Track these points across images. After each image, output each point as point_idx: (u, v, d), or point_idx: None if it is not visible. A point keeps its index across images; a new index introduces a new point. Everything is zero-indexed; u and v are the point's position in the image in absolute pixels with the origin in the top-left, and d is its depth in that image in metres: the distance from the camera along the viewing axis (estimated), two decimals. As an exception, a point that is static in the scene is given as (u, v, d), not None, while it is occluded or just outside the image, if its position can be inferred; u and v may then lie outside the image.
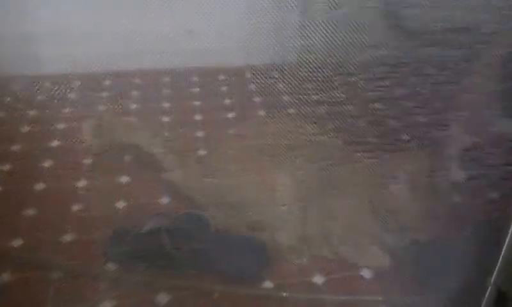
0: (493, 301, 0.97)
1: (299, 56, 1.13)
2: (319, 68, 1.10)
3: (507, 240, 0.96)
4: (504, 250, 0.96)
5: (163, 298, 1.08)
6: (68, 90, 1.58)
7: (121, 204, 1.30)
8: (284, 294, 1.11)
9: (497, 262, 0.96)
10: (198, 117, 1.67)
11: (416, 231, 1.17)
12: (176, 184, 1.33)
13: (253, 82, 1.72)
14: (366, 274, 1.17)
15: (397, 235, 1.18)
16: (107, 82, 1.73)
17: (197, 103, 1.74)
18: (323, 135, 1.29)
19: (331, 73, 1.09)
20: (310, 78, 1.13)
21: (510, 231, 0.96)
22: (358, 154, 1.30)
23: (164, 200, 1.33)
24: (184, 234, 1.18)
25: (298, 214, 1.24)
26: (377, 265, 1.17)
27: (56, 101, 1.57)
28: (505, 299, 0.96)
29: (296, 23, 1.13)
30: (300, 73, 1.15)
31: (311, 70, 1.12)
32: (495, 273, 0.96)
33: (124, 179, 1.39)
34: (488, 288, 0.97)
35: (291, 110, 1.36)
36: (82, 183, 1.36)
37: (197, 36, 1.41)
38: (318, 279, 1.15)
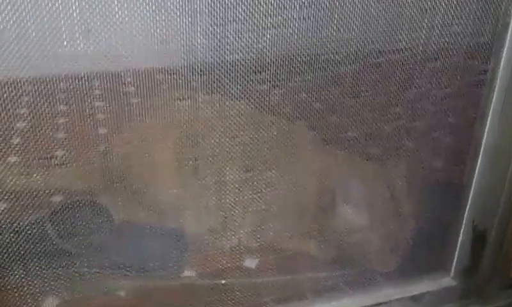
0: (469, 240, 0.84)
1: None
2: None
3: (476, 174, 0.84)
4: (473, 185, 0.84)
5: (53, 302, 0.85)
6: None
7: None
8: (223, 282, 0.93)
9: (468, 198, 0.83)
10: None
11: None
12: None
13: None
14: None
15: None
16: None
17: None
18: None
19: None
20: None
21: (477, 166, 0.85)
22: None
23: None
24: (76, 225, 0.94)
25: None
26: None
27: None
28: (483, 237, 0.83)
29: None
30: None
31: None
32: (467, 209, 0.83)
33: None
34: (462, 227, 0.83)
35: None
36: None
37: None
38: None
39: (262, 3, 0.81)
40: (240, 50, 0.83)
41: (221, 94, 0.89)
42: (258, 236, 1.00)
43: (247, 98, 0.89)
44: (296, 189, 0.99)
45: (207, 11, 0.79)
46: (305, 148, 0.99)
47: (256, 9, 0.81)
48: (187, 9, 0.79)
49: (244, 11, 0.80)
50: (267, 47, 0.84)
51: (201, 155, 1.02)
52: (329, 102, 0.89)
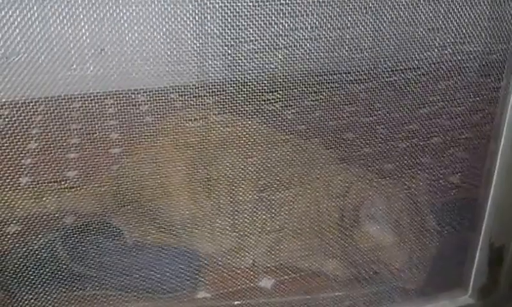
0: (486, 258, 0.83)
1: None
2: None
3: (492, 192, 0.84)
4: (489, 202, 0.83)
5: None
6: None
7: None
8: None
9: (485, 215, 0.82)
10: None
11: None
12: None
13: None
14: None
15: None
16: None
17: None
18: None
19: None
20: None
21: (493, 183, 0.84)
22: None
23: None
24: (88, 246, 0.93)
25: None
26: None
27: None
28: (501, 254, 0.82)
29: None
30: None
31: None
32: (484, 227, 0.82)
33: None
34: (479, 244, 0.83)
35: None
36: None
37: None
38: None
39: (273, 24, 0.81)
40: (252, 70, 0.83)
41: (234, 114, 0.89)
42: (274, 256, 0.99)
43: (260, 118, 0.89)
44: (311, 208, 0.99)
45: (218, 32, 0.80)
46: (320, 165, 0.99)
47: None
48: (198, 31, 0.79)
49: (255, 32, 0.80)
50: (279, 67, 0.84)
51: (214, 174, 1.01)
52: (343, 120, 0.89)
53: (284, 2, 0.79)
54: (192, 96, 0.85)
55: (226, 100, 0.85)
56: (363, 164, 0.94)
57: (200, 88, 0.84)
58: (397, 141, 0.89)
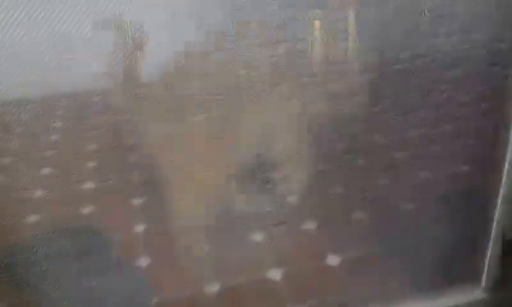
0: (499, 251, 0.83)
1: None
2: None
3: (503, 184, 0.82)
4: (500, 194, 0.81)
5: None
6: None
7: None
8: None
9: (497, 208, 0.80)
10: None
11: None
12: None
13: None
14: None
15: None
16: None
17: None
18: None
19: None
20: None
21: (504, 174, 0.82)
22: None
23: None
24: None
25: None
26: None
27: None
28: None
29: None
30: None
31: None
32: (496, 220, 0.80)
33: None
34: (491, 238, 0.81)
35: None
36: None
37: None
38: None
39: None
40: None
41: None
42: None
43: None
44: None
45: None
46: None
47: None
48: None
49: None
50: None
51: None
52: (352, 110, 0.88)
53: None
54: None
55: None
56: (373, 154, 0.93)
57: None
58: (405, 130, 0.87)
